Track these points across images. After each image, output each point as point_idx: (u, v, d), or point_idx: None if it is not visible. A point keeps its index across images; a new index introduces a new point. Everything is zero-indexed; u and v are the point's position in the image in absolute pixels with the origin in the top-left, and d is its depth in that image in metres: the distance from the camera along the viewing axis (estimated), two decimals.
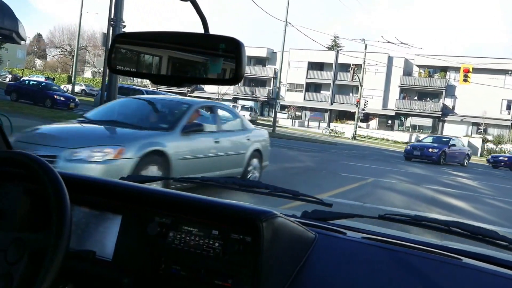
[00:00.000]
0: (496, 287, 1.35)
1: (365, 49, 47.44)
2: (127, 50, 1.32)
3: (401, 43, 42.90)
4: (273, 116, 39.16)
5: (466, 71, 29.55)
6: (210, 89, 51.62)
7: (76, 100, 29.26)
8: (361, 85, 46.46)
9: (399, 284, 1.36)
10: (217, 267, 1.36)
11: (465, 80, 29.75)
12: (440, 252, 1.52)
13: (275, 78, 60.94)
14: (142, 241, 1.47)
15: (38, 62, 69.40)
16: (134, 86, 30.52)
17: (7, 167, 1.45)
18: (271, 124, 37.91)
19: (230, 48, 1.18)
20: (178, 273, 1.40)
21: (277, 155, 15.96)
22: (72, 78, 49.99)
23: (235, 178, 2.02)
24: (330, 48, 61.77)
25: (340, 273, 1.41)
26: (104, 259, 1.48)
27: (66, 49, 63.02)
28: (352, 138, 46.60)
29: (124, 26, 20.40)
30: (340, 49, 63.81)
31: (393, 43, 43.14)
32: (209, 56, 1.24)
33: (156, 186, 1.71)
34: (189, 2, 1.19)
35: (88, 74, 67.37)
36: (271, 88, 57.24)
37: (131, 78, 45.37)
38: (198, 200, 1.48)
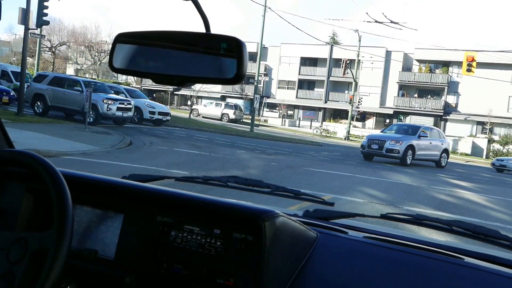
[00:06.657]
0: (498, 287, 1.43)
1: (359, 40, 45.54)
2: (128, 49, 1.39)
3: (391, 21, 37.82)
4: (251, 113, 37.96)
5: (470, 59, 27.64)
6: (196, 87, 51.13)
7: (12, 93, 25.12)
8: (355, 81, 44.96)
9: (400, 283, 1.44)
10: (219, 266, 1.44)
11: (468, 70, 27.75)
12: (442, 251, 1.60)
13: (266, 74, 60.64)
14: (144, 240, 1.55)
15: (14, 59, 68.23)
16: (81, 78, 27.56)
17: (10, 167, 1.51)
18: (256, 123, 36.21)
19: (232, 47, 1.26)
20: (180, 272, 1.48)
21: (216, 159, 15.00)
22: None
23: (237, 177, 2.10)
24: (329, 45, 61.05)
25: (341, 272, 1.50)
26: (106, 258, 1.56)
27: (45, 45, 61.93)
28: (345, 138, 45.67)
29: (47, 0, 20.83)
30: (333, 43, 62.98)
31: (382, 22, 38.43)
32: (211, 56, 1.33)
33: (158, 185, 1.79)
34: (190, 2, 1.28)
35: (70, 71, 66.40)
36: (262, 85, 56.80)
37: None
38: (200, 199, 1.56)
